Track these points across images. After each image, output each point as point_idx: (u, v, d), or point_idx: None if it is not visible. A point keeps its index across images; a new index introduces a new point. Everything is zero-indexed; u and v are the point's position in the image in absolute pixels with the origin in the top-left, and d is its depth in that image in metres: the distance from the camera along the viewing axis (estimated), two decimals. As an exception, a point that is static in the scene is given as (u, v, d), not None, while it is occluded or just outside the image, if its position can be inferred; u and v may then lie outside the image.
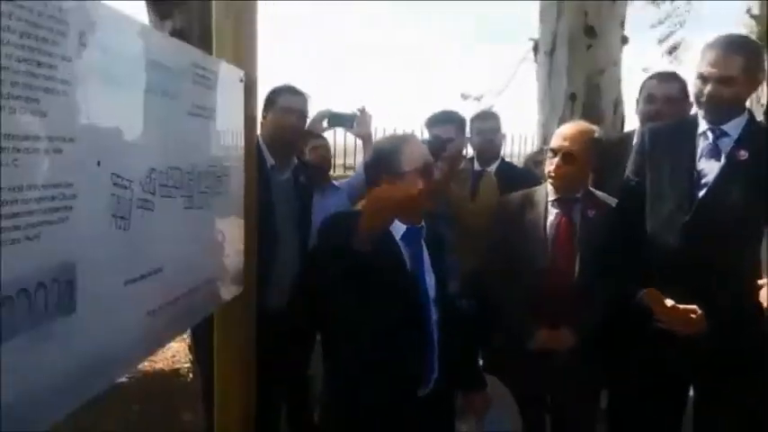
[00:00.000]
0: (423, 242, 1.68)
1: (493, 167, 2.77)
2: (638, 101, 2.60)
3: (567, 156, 2.00)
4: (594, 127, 2.10)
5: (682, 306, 1.79)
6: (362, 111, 2.59)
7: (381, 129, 5.55)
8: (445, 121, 2.61)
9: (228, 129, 1.59)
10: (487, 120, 2.87)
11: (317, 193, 2.51)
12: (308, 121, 2.48)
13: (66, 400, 0.91)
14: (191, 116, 1.33)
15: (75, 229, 0.91)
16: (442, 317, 1.65)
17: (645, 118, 2.47)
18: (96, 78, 0.97)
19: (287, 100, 2.26)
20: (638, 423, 2.06)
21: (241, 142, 1.67)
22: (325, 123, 2.58)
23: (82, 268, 0.93)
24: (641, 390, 1.99)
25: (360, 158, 5.64)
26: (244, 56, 1.68)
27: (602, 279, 1.94)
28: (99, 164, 0.98)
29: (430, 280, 1.65)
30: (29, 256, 0.82)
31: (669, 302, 1.80)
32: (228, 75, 1.59)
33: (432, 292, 1.65)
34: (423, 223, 1.68)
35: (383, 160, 1.62)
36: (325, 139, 2.88)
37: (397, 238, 1.63)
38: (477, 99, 6.77)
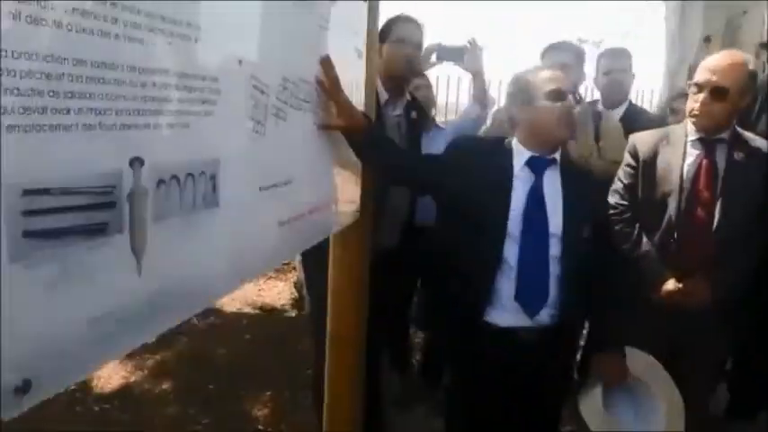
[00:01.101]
0: (547, 173, 1.58)
1: (620, 110, 2.53)
2: None
3: (715, 91, 1.78)
4: (749, 57, 1.84)
5: None
6: (473, 43, 2.43)
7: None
8: (560, 48, 2.40)
9: (353, 51, 1.55)
10: (617, 57, 2.59)
11: (423, 133, 2.44)
12: None
13: (212, 290, 0.93)
14: (320, 29, 1.30)
15: (218, 125, 0.91)
16: (566, 254, 1.56)
17: None
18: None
19: (402, 29, 2.13)
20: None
21: (362, 67, 1.63)
22: (433, 57, 2.46)
23: (224, 165, 0.93)
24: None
25: (450, 117, 5.53)
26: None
27: (749, 231, 1.73)
28: (240, 63, 0.98)
29: (554, 214, 1.56)
30: (178, 144, 0.83)
31: None
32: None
33: (555, 227, 1.55)
34: (555, 156, 1.58)
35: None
36: (428, 78, 2.77)
37: (521, 164, 1.56)
38: (596, 44, 6.18)
